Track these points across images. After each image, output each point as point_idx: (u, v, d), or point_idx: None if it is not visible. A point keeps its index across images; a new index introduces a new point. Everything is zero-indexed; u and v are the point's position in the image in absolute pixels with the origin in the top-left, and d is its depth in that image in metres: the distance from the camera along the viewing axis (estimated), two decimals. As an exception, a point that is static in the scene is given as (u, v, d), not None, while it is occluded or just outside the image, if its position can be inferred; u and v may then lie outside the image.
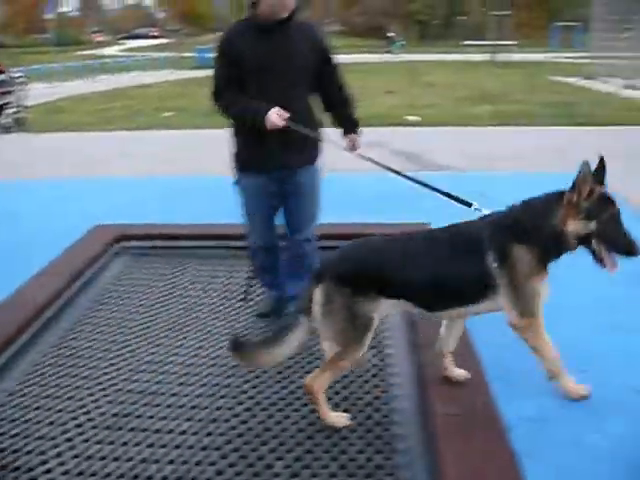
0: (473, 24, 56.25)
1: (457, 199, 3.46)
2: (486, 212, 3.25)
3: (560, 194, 2.99)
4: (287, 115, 3.67)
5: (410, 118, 13.11)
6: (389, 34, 43.62)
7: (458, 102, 16.07)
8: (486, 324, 3.99)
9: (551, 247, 3.02)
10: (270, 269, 4.32)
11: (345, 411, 3.27)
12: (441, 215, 5.24)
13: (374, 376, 3.63)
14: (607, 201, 2.92)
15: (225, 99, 3.81)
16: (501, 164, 8.89)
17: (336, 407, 3.31)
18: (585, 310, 4.35)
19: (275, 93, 3.73)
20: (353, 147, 4.12)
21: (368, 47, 50.15)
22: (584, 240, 2.96)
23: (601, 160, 2.99)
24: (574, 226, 2.94)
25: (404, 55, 38.83)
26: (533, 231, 3.00)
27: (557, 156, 9.41)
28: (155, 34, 69.08)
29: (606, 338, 3.97)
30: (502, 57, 30.36)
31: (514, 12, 37.89)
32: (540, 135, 11.41)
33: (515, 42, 36.32)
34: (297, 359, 3.79)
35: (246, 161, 3.97)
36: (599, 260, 2.99)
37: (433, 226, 5.58)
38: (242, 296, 4.66)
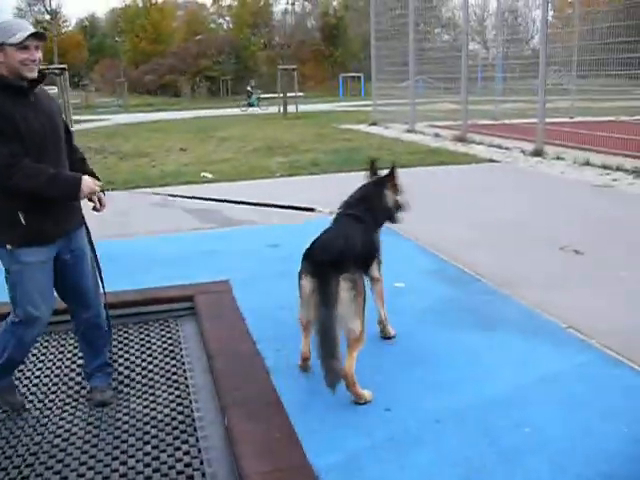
0: (263, 78, 57.96)
1: (300, 208, 4.64)
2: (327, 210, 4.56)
3: (382, 179, 4.69)
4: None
5: (204, 174, 13.16)
6: (248, 88, 42.66)
7: (251, 155, 16.36)
8: (289, 377, 4.08)
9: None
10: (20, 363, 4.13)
11: (154, 484, 3.20)
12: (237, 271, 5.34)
13: (184, 443, 3.57)
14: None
15: (23, 173, 3.45)
16: (295, 213, 9.09)
17: (147, 479, 3.24)
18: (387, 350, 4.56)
19: (52, 161, 3.61)
20: (100, 205, 3.93)
21: (160, 104, 50.07)
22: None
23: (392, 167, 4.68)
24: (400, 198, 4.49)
25: (256, 109, 38.47)
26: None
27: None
28: None
29: (406, 374, 4.18)
30: (292, 109, 31.40)
31: (300, 66, 39.40)
32: (330, 182, 11.83)
33: (302, 94, 37.82)
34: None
35: (29, 231, 3.60)
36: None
37: (233, 282, 5.71)
38: None
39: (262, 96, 41.80)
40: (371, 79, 26.61)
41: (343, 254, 3.74)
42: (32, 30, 3.47)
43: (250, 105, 39.90)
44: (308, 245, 3.94)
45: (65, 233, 3.79)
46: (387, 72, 23.28)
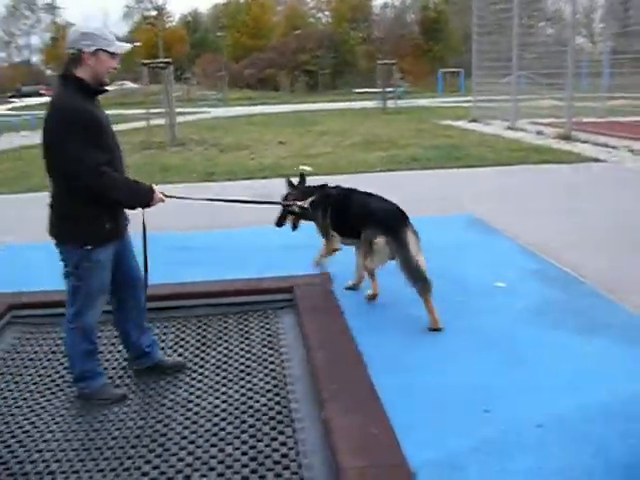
0: (361, 73, 57.94)
1: (275, 202, 5.52)
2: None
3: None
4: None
5: (303, 167, 13.25)
6: (396, 79, 42.46)
7: (350, 149, 16.36)
8: (387, 372, 4.05)
9: None
10: (96, 351, 4.20)
11: (253, 472, 3.24)
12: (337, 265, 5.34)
13: (281, 434, 3.59)
14: None
15: (108, 177, 3.65)
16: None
17: (244, 467, 3.28)
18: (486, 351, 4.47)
19: (119, 164, 3.84)
20: None
21: (260, 98, 50.77)
22: None
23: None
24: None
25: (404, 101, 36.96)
26: None
27: (446, 198, 9.74)
28: (44, 92, 67.71)
29: (506, 375, 4.08)
30: (391, 104, 31.23)
31: (398, 60, 39.09)
32: (430, 178, 11.77)
33: (403, 89, 37.55)
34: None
35: (108, 231, 3.85)
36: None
37: (332, 275, 5.72)
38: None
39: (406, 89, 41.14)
40: (471, 74, 26.18)
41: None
42: (127, 45, 3.81)
43: (399, 98, 39.27)
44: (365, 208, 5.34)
45: (125, 227, 4.07)
46: (488, 67, 22.85)
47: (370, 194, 5.48)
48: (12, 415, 3.95)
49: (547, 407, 3.67)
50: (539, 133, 18.61)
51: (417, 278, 4.88)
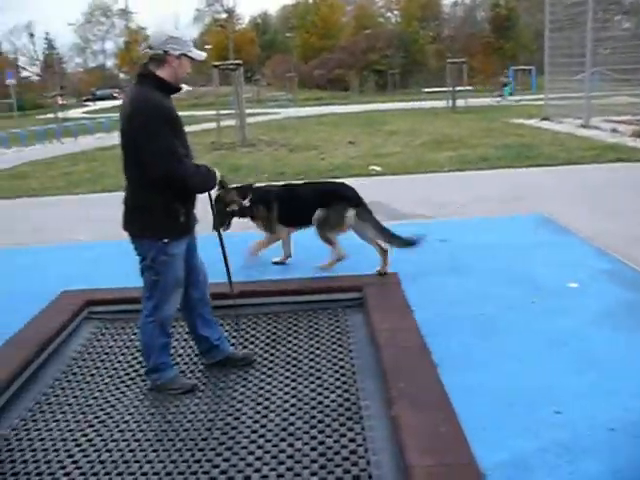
0: (431, 72, 57.52)
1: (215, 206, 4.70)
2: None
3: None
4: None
5: (372, 167, 13.26)
6: (503, 79, 42.56)
7: (419, 149, 16.29)
8: (456, 372, 4.05)
9: None
10: (170, 344, 4.33)
11: (322, 467, 3.28)
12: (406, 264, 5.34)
13: (350, 430, 3.63)
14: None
15: (186, 167, 3.86)
16: (464, 209, 9.03)
17: (313, 462, 3.32)
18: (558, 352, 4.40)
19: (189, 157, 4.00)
20: None
21: (329, 98, 50.93)
22: None
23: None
24: None
25: (512, 98, 37.75)
26: None
27: (517, 197, 9.61)
28: (117, 95, 69.36)
29: (578, 377, 4.01)
30: (461, 103, 30.93)
31: (468, 59, 38.66)
32: (500, 178, 11.63)
33: (471, 88, 37.09)
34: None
35: (183, 225, 4.00)
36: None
37: (401, 275, 5.73)
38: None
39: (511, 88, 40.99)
40: (543, 72, 25.69)
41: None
42: (204, 53, 4.06)
43: (505, 95, 38.95)
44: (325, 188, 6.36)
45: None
46: (561, 64, 22.35)
47: (309, 182, 6.47)
48: (89, 406, 4.10)
49: (619, 411, 3.59)
50: (614, 131, 18.12)
51: (392, 235, 5.79)
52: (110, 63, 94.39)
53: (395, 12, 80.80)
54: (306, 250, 6.50)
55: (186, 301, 4.30)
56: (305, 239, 6.36)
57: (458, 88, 31.84)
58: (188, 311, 4.37)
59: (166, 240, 3.89)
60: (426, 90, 44.08)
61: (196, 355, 4.65)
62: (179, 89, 3.97)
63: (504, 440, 3.36)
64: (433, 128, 21.75)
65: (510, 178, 11.50)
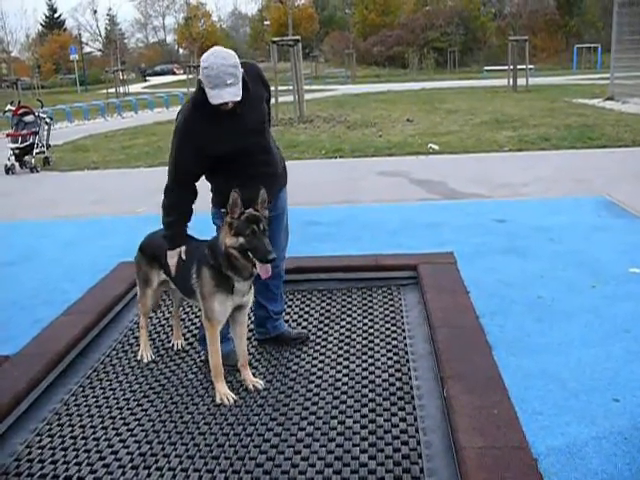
0: (492, 50, 56.49)
1: None
2: None
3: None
4: None
5: (430, 146, 13.10)
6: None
7: (478, 128, 16.04)
8: (511, 354, 3.98)
9: (221, 263, 3.64)
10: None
11: (372, 445, 3.26)
12: (462, 244, 5.27)
13: (401, 409, 3.60)
14: (250, 219, 3.51)
15: (166, 197, 4.27)
16: (523, 190, 8.87)
17: (363, 440, 3.31)
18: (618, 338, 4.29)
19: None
20: None
21: (387, 76, 50.48)
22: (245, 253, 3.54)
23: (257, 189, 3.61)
24: (229, 241, 3.55)
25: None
26: (210, 252, 3.72)
27: (579, 179, 9.40)
28: (177, 70, 69.95)
29: (638, 365, 3.90)
30: (522, 81, 30.30)
31: (531, 37, 37.84)
32: (562, 159, 11.37)
33: (533, 67, 36.33)
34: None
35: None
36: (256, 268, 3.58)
37: (457, 255, 5.66)
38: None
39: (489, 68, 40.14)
40: (609, 50, 24.95)
41: None
42: (225, 99, 3.54)
43: None
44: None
45: None
46: (629, 41, 21.66)
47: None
48: (144, 377, 4.17)
49: (681, 401, 3.49)
50: (682, 112, 17.55)
51: None
52: (170, 39, 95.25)
53: (457, -12, 79.42)
54: (364, 227, 6.48)
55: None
56: (365, 216, 6.31)
57: (520, 66, 31.19)
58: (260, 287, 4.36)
59: (223, 210, 3.88)
60: (487, 68, 43.34)
61: (250, 331, 4.65)
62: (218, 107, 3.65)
63: (559, 426, 3.29)
64: (493, 107, 21.36)
65: (572, 159, 11.23)
